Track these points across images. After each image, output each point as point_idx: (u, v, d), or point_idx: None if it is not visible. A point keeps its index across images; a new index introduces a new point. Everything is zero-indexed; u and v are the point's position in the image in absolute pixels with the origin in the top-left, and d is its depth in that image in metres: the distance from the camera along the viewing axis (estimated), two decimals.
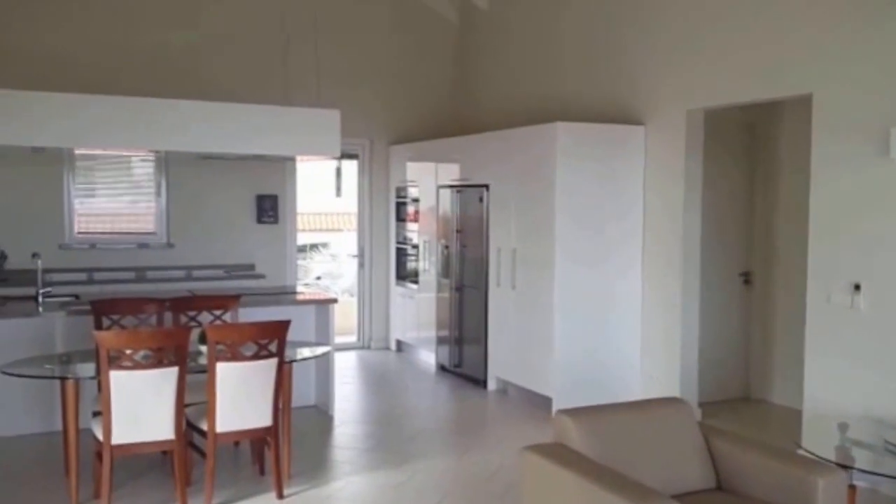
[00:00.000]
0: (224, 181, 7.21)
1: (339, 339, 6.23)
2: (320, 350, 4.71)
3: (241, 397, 3.82)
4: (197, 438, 3.99)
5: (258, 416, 3.89)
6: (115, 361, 3.59)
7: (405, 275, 7.78)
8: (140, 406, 3.64)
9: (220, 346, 3.77)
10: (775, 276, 6.03)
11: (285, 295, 6.03)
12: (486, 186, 6.32)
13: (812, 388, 4.52)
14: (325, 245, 13.25)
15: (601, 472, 2.76)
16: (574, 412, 3.11)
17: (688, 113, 5.37)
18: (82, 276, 6.58)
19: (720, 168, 5.84)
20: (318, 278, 11.88)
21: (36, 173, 6.65)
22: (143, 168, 7.20)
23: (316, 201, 12.07)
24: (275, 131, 5.69)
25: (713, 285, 5.79)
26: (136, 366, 3.61)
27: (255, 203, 7.40)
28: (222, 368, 3.76)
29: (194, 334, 4.02)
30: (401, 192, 7.81)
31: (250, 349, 3.85)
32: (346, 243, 11.19)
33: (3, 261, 6.28)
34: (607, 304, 5.70)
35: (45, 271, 5.54)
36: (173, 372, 3.66)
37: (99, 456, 3.74)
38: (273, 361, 3.87)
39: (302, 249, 10.48)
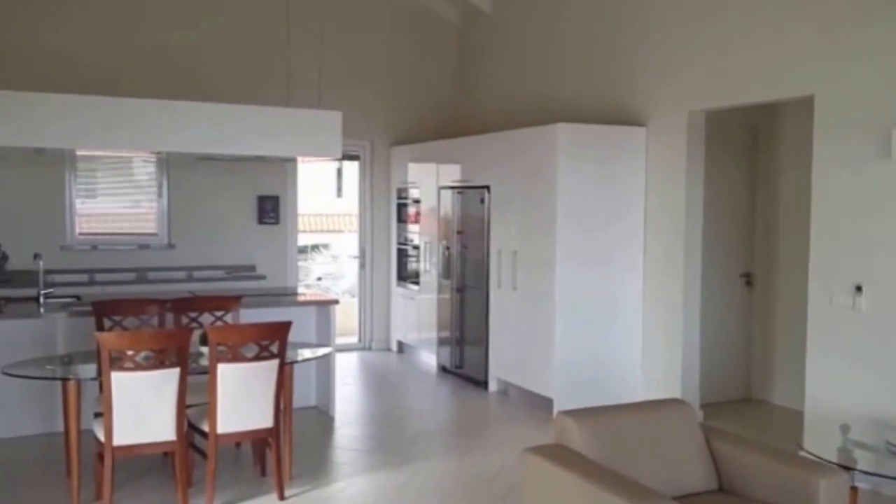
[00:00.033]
0: (225, 182, 7.21)
1: (339, 340, 6.23)
2: (321, 351, 4.71)
3: (242, 398, 3.82)
4: (198, 439, 3.99)
5: (259, 417, 3.89)
6: (117, 363, 3.59)
7: (406, 276, 7.78)
8: (141, 407, 3.64)
9: (222, 348, 3.77)
10: (776, 277, 6.03)
11: (286, 296, 6.03)
12: (487, 187, 6.32)
13: (813, 389, 4.52)
14: (325, 246, 13.26)
15: (602, 474, 2.75)
16: (575, 413, 3.11)
17: (689, 114, 5.37)
18: (83, 277, 6.58)
19: (721, 169, 5.83)
20: (319, 279, 11.88)
21: (37, 174, 6.66)
22: (145, 169, 7.20)
23: (317, 202, 12.09)
24: (276, 132, 5.70)
25: (714, 286, 5.78)
26: (138, 367, 3.61)
27: (256, 204, 7.41)
28: (223, 369, 3.76)
29: (195, 335, 4.03)
30: (402, 194, 7.81)
31: (251, 350, 3.85)
32: (347, 244, 11.20)
33: (5, 262, 6.28)
34: (608, 305, 5.70)
35: (47, 272, 5.54)
36: (174, 373, 3.66)
37: (100, 457, 3.74)
38: (274, 362, 3.87)
39: (303, 250, 10.48)
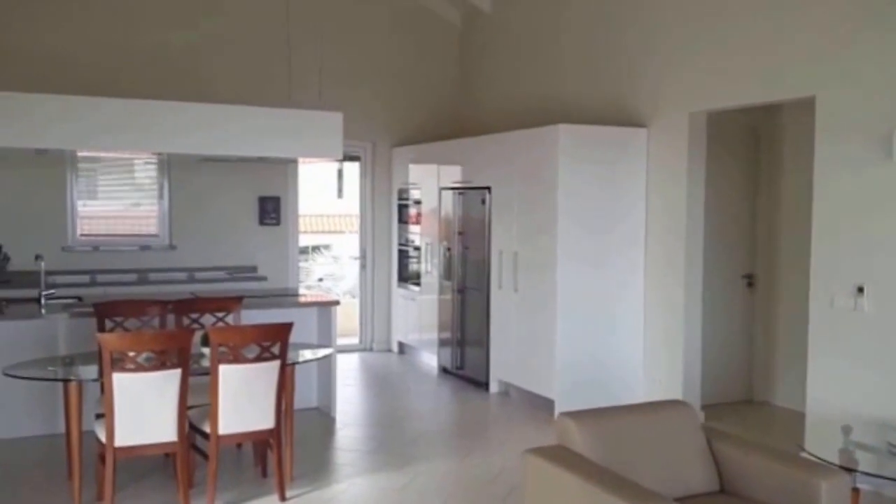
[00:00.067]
0: (226, 183, 7.22)
1: (340, 341, 6.23)
2: (322, 352, 4.71)
3: (243, 399, 3.82)
4: (199, 440, 3.99)
5: (260, 418, 3.89)
6: (118, 364, 3.59)
7: (407, 277, 7.78)
8: (143, 408, 3.64)
9: (223, 349, 3.77)
10: (778, 278, 6.02)
11: (287, 297, 6.03)
12: (489, 188, 6.32)
13: (815, 391, 4.51)
14: (326, 247, 13.26)
15: (604, 475, 2.75)
16: (577, 415, 3.11)
17: (690, 115, 5.37)
18: (85, 279, 6.58)
19: (722, 170, 5.83)
20: (320, 280, 11.88)
21: (38, 175, 6.66)
22: (146, 170, 7.21)
23: (318, 203, 12.09)
24: (277, 133, 5.70)
25: (716, 288, 5.78)
26: (139, 368, 3.62)
27: (257, 205, 7.41)
28: (225, 370, 3.76)
29: (197, 336, 4.03)
30: (403, 195, 7.81)
31: (253, 351, 3.85)
32: (348, 245, 11.19)
33: (6, 263, 6.28)
34: (610, 306, 5.70)
35: (48, 273, 5.54)
36: (176, 374, 3.67)
37: (102, 458, 3.74)
38: (275, 364, 3.88)
39: (304, 251, 10.48)
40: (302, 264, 8.83)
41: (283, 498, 3.99)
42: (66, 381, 3.94)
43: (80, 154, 6.48)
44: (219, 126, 5.55)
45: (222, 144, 5.60)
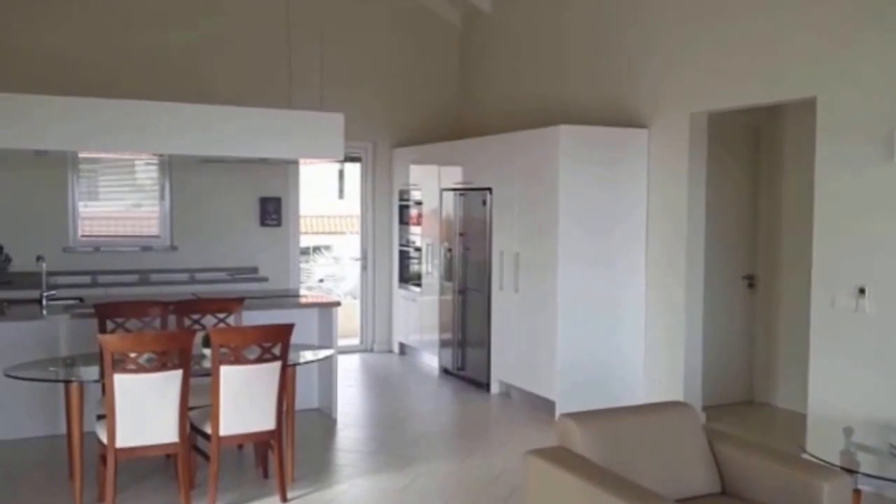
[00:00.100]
0: (227, 184, 7.22)
1: (341, 342, 6.23)
2: (323, 353, 4.71)
3: (244, 400, 3.82)
4: (200, 441, 3.99)
5: (262, 419, 3.89)
6: (120, 365, 3.59)
7: (408, 278, 7.78)
8: (144, 409, 3.64)
9: (224, 350, 3.77)
10: (779, 278, 6.02)
11: (288, 298, 6.03)
12: (490, 189, 6.32)
13: (816, 392, 4.51)
14: (327, 248, 13.26)
15: (605, 477, 2.75)
16: (578, 416, 3.10)
17: (691, 116, 5.36)
18: (86, 279, 6.59)
19: (724, 171, 5.83)
20: (321, 281, 11.88)
21: (40, 176, 6.67)
22: (147, 171, 7.21)
23: (319, 204, 12.08)
24: (278, 135, 5.70)
25: (717, 288, 5.78)
26: (140, 369, 3.62)
27: (258, 206, 7.41)
28: (226, 372, 3.76)
29: (198, 337, 4.02)
30: (404, 195, 7.81)
31: (254, 352, 3.86)
32: (348, 246, 11.19)
33: (8, 264, 6.29)
34: (610, 307, 5.69)
35: (49, 274, 5.54)
36: (177, 375, 3.67)
37: (103, 459, 3.75)
38: (277, 365, 3.88)
39: (305, 252, 10.48)
40: (303, 265, 8.83)
41: (284, 499, 3.99)
42: (67, 382, 3.93)
43: (80, 155, 6.48)
44: (220, 127, 5.54)
45: (223, 145, 5.60)
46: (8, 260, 6.29)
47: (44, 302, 5.22)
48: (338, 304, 5.67)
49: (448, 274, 6.97)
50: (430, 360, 7.34)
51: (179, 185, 7.14)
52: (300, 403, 4.67)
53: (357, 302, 8.37)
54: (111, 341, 3.63)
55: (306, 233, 9.38)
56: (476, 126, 7.63)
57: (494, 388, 6.36)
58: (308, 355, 4.55)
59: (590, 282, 5.61)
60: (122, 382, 3.59)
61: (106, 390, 3.65)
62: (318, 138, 5.81)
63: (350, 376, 6.98)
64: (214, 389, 3.76)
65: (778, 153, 6.00)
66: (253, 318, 4.88)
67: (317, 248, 12.88)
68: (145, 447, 3.70)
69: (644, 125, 5.73)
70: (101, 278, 6.66)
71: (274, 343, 3.87)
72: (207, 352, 3.96)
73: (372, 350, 8.10)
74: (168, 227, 7.15)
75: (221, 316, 4.82)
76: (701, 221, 5.45)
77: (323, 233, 13.61)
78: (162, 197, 7.17)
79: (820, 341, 4.50)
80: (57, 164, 6.65)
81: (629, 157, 5.70)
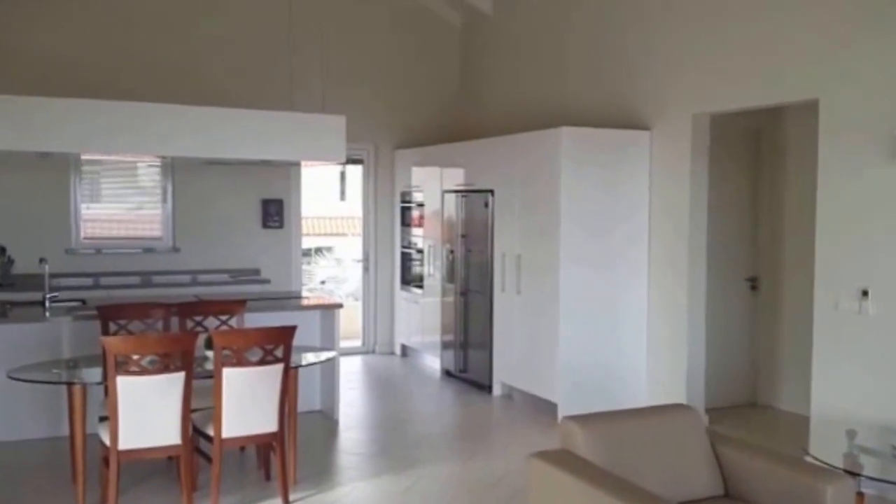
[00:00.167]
0: (229, 186, 7.23)
1: (343, 344, 6.23)
2: (325, 355, 4.71)
3: (247, 402, 3.83)
4: (203, 443, 4.00)
5: (264, 421, 3.89)
6: (122, 367, 3.59)
7: (410, 279, 7.78)
8: (147, 411, 3.65)
9: (227, 352, 3.77)
10: (782, 281, 6.01)
11: (291, 300, 6.04)
12: (491, 191, 6.32)
13: (820, 394, 4.50)
14: (329, 249, 13.26)
15: (608, 480, 2.75)
16: (580, 418, 3.10)
17: (693, 117, 5.36)
18: (88, 281, 6.59)
19: (726, 173, 5.83)
20: (323, 282, 11.88)
21: (42, 178, 6.68)
22: (149, 173, 7.22)
23: (320, 205, 12.09)
24: (281, 137, 5.71)
25: (719, 290, 5.77)
26: (143, 371, 3.62)
27: (260, 208, 7.42)
28: (228, 374, 3.76)
29: (201, 339, 4.03)
30: (406, 197, 7.82)
31: (256, 354, 3.86)
32: (350, 248, 11.19)
33: (10, 266, 6.29)
34: (613, 309, 5.69)
35: (52, 276, 5.55)
36: (180, 377, 3.67)
37: (106, 461, 3.75)
38: (279, 367, 3.88)
39: (307, 253, 10.49)
40: (305, 267, 8.84)
41: (286, 501, 3.99)
42: (70, 384, 3.94)
43: (83, 157, 6.49)
44: (222, 129, 5.55)
45: (226, 147, 5.60)
46: (11, 262, 6.30)
47: (46, 304, 5.23)
48: (340, 306, 5.67)
49: (450, 276, 6.97)
50: (432, 362, 7.34)
51: (182, 186, 7.15)
52: (302, 405, 4.67)
53: (359, 304, 8.38)
54: (114, 343, 3.63)
55: (308, 234, 9.39)
56: (478, 128, 7.63)
57: (496, 389, 6.35)
58: (310, 357, 4.55)
59: (592, 283, 5.61)
60: (125, 384, 3.59)
61: (109, 392, 3.65)
62: (321, 140, 5.81)
63: (352, 378, 6.98)
64: (217, 391, 3.76)
65: (780, 155, 6.00)
66: (255, 320, 4.88)
67: (318, 250, 12.89)
68: (148, 449, 3.71)
69: (646, 127, 5.73)
70: (104, 280, 6.67)
71: (276, 345, 3.87)
72: (210, 354, 3.96)
73: (374, 352, 8.10)
74: (170, 228, 7.16)
75: (224, 318, 4.82)
76: (703, 223, 5.45)
77: (324, 234, 13.62)
78: (164, 199, 7.18)
79: (823, 343, 4.50)
80: (59, 166, 6.66)
81: (631, 158, 5.69)
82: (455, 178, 6.89)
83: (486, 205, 6.38)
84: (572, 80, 6.55)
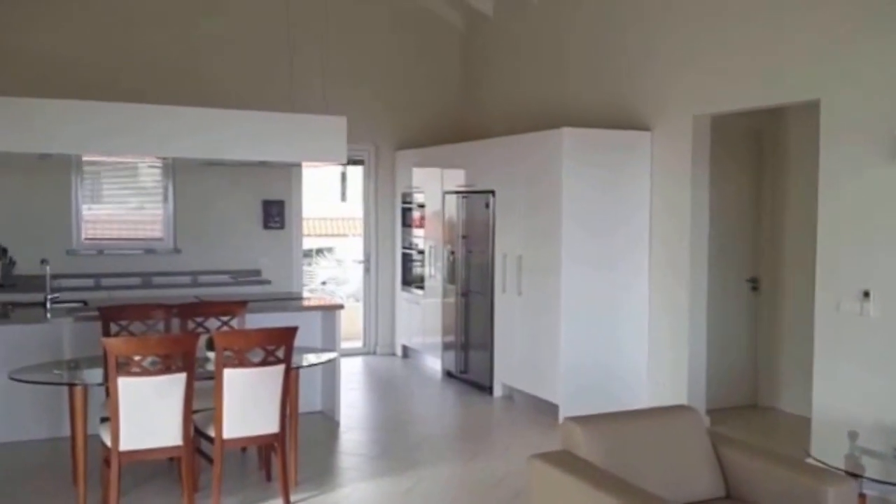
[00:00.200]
0: (230, 187, 7.23)
1: (344, 345, 6.23)
2: (326, 356, 4.71)
3: (248, 403, 3.83)
4: (204, 444, 4.00)
5: (265, 422, 3.89)
6: (124, 368, 3.59)
7: (411, 280, 7.78)
8: (148, 412, 3.65)
9: (228, 353, 3.78)
10: (783, 282, 6.01)
11: (292, 301, 6.04)
12: (492, 192, 6.32)
13: (821, 396, 4.50)
14: (330, 250, 13.26)
15: (609, 481, 2.75)
16: (582, 420, 3.10)
17: (694, 118, 5.36)
18: (90, 282, 6.59)
19: (727, 174, 5.83)
20: (324, 283, 11.88)
21: (43, 180, 6.68)
22: (150, 174, 7.22)
23: (321, 206, 12.09)
24: (282, 138, 5.71)
25: (720, 291, 5.77)
26: (144, 372, 3.62)
27: (261, 209, 7.42)
28: (230, 375, 3.76)
29: (202, 340, 4.03)
30: (406, 198, 7.82)
31: (257, 355, 3.86)
32: (351, 248, 11.19)
33: (12, 267, 6.30)
34: (614, 310, 5.69)
35: (53, 277, 5.55)
36: (181, 378, 3.67)
37: (107, 462, 3.75)
38: (280, 368, 3.88)
39: (307, 254, 10.49)
40: (305, 268, 8.84)
41: (287, 502, 3.99)
42: (71, 384, 3.94)
43: (84, 158, 6.49)
44: (223, 130, 5.55)
45: (227, 148, 5.60)
46: (12, 263, 6.30)
47: (48, 305, 5.23)
48: (341, 307, 5.67)
49: (451, 276, 6.97)
50: (433, 363, 7.34)
51: (183, 188, 7.15)
52: (303, 406, 4.67)
53: (360, 304, 8.37)
54: (115, 344, 3.63)
55: (309, 235, 9.40)
56: (478, 129, 7.63)
57: (497, 391, 6.35)
58: (311, 358, 4.55)
59: (593, 284, 5.61)
60: (126, 385, 3.59)
61: (110, 393, 3.65)
62: (321, 141, 5.82)
63: (353, 379, 6.97)
64: (218, 392, 3.76)
65: (781, 156, 6.00)
66: (256, 321, 4.88)
67: (319, 251, 12.89)
68: (149, 450, 3.70)
69: (647, 128, 5.73)
70: (105, 281, 6.67)
71: (277, 346, 3.87)
72: (211, 355, 3.96)
73: (375, 353, 8.10)
74: (171, 229, 7.16)
75: (225, 319, 4.83)
76: (704, 224, 5.45)
77: (325, 235, 13.62)
78: (165, 200, 7.18)
79: (824, 344, 4.49)
80: (60, 167, 6.66)
81: (632, 159, 5.69)
82: (456, 178, 6.89)
83: (487, 205, 6.38)
84: (573, 80, 6.55)
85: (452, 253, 6.94)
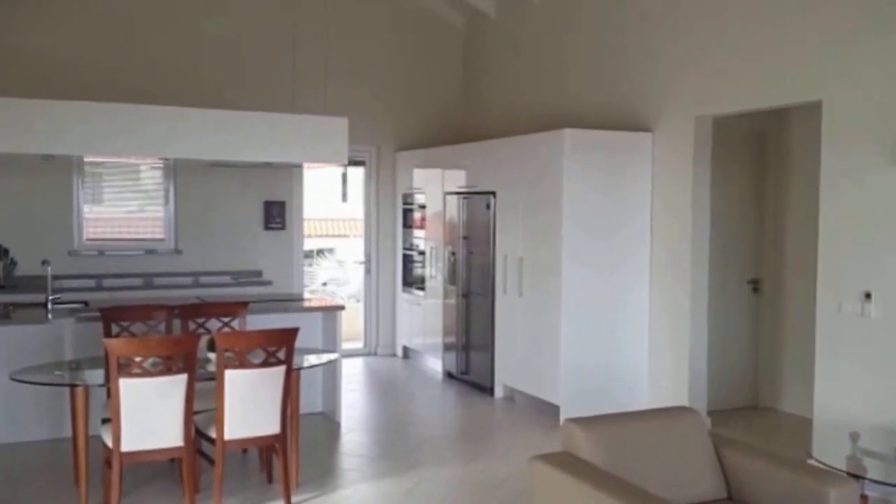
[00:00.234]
0: (232, 188, 7.23)
1: (345, 346, 6.23)
2: (327, 357, 4.71)
3: (249, 405, 3.83)
4: (205, 446, 4.00)
5: (266, 423, 3.89)
6: (125, 369, 3.60)
7: (412, 281, 7.78)
8: (149, 413, 3.65)
9: (229, 354, 3.78)
10: (784, 283, 6.01)
11: (293, 302, 6.04)
12: (493, 193, 6.32)
13: (822, 397, 4.50)
14: (331, 251, 13.27)
15: (610, 482, 2.74)
16: (583, 421, 3.10)
17: (696, 119, 5.36)
18: (91, 283, 6.59)
19: (728, 175, 5.82)
20: (325, 284, 11.89)
21: (45, 180, 6.68)
22: (152, 175, 7.23)
23: (322, 207, 12.10)
24: (283, 139, 5.71)
25: (721, 293, 5.77)
26: (146, 373, 3.62)
27: (262, 209, 7.42)
28: (231, 376, 3.76)
29: (203, 341, 4.03)
30: (407, 199, 7.82)
31: (258, 356, 3.86)
32: (352, 249, 11.20)
33: (13, 267, 6.30)
34: (615, 311, 5.69)
35: (55, 278, 5.56)
36: (182, 379, 3.67)
37: (108, 463, 3.75)
38: (281, 369, 3.88)
39: (308, 255, 10.49)
40: (306, 268, 8.84)
41: (288, 503, 3.99)
42: (72, 385, 3.94)
43: (86, 159, 6.49)
44: (225, 132, 5.56)
45: (229, 150, 5.61)
46: (13, 264, 6.30)
47: (49, 306, 5.24)
48: (342, 307, 5.67)
49: (452, 277, 6.97)
50: (434, 364, 7.34)
51: (184, 188, 7.15)
52: (304, 407, 4.67)
53: (361, 305, 8.38)
54: (117, 345, 3.64)
55: (310, 236, 9.41)
56: (480, 130, 7.63)
57: (498, 392, 6.35)
58: (312, 359, 4.55)
59: (594, 285, 5.61)
60: (128, 386, 3.59)
61: (111, 394, 3.65)
62: (323, 142, 5.82)
63: (354, 380, 6.97)
64: (219, 393, 3.77)
65: (783, 157, 6.00)
66: (257, 321, 4.88)
67: (320, 251, 12.89)
68: (150, 451, 3.70)
69: (648, 129, 5.73)
70: (106, 282, 6.67)
71: (278, 347, 3.87)
72: (212, 356, 3.96)
73: (375, 354, 8.10)
74: (173, 230, 7.17)
75: (226, 320, 4.83)
76: (706, 225, 5.44)
77: (326, 236, 13.63)
78: (166, 201, 7.18)
79: (826, 346, 4.49)
80: (62, 168, 6.66)
81: (633, 160, 5.69)
82: (457, 179, 6.89)
83: (488, 206, 6.38)
84: (574, 81, 6.55)
85: (453, 254, 6.94)
